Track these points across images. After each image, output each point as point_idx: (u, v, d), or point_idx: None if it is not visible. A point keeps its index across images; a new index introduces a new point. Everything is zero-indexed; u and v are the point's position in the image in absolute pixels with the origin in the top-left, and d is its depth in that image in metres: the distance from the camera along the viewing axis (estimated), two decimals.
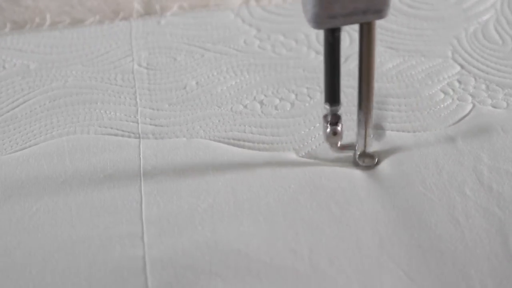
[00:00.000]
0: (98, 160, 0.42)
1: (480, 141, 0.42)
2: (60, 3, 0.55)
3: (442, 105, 0.45)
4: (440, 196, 0.39)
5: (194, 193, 0.40)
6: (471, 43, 0.50)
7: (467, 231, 0.37)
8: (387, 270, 0.36)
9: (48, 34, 0.53)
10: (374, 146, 0.42)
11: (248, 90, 0.47)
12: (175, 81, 0.48)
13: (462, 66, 0.48)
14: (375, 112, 0.43)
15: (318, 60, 0.49)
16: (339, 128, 0.39)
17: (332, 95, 0.38)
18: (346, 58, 0.49)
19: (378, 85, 0.47)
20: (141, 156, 0.42)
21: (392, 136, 0.43)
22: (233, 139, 0.44)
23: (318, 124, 0.44)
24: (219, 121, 0.45)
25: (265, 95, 0.47)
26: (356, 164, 0.41)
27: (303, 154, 0.43)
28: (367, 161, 0.41)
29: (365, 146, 0.41)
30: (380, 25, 0.45)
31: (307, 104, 0.46)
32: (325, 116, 0.39)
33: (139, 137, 0.44)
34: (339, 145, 0.41)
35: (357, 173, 0.41)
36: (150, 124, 0.45)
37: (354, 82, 0.45)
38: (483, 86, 0.47)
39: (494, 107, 0.45)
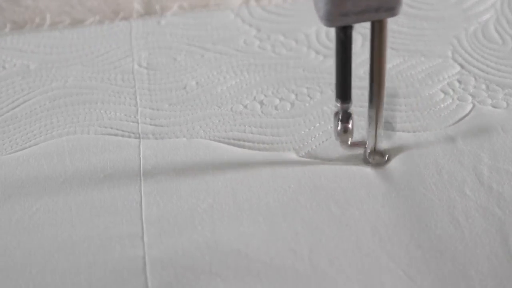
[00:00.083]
0: (98, 160, 0.42)
1: (480, 141, 0.42)
2: (60, 3, 0.55)
3: (442, 105, 0.45)
4: (440, 196, 0.39)
5: (194, 193, 0.40)
6: (471, 43, 0.50)
7: (467, 231, 0.37)
8: (387, 270, 0.36)
9: (48, 34, 0.53)
10: (384, 145, 0.42)
11: (248, 90, 0.47)
12: (175, 81, 0.48)
13: (462, 66, 0.48)
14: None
15: (318, 60, 0.49)
16: (350, 125, 0.39)
17: (344, 92, 0.38)
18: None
19: None
20: (141, 156, 0.42)
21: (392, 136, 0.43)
22: (233, 139, 0.44)
23: (318, 124, 0.44)
24: (219, 121, 0.45)
25: (265, 95, 0.47)
26: (366, 162, 0.41)
27: (303, 154, 0.42)
28: (377, 159, 0.41)
29: (375, 144, 0.41)
30: None
31: (307, 104, 0.46)
32: (336, 113, 0.39)
33: (139, 137, 0.44)
34: (349, 142, 0.41)
35: (357, 173, 0.41)
36: (150, 124, 0.45)
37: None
38: (483, 86, 0.47)
39: (494, 107, 0.45)
